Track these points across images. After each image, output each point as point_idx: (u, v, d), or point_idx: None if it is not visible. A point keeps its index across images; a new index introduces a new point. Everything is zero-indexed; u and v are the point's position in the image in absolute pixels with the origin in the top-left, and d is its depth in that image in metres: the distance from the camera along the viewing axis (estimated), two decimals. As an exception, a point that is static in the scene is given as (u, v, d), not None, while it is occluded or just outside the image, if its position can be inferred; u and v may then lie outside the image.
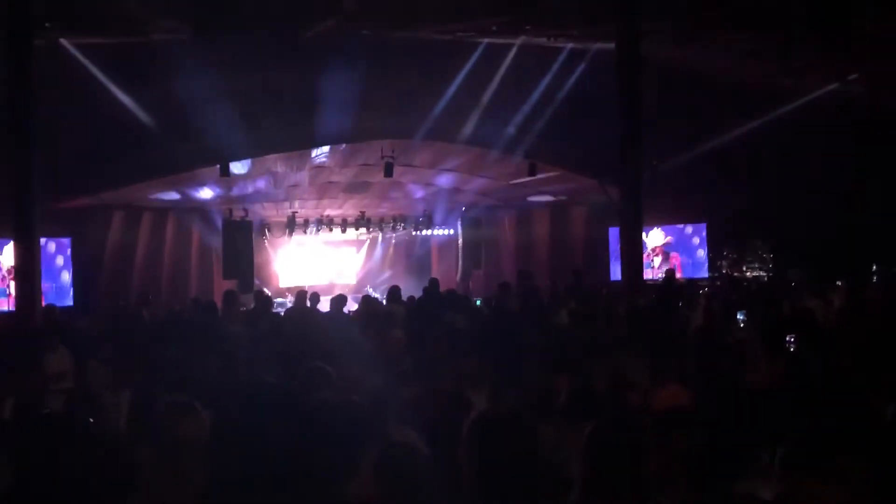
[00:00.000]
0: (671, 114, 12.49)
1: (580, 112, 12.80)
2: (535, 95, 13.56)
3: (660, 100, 11.91)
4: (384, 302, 10.23)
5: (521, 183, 16.72)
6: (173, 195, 16.33)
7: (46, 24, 10.93)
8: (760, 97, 13.34)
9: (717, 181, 15.11)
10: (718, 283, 14.27)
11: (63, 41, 11.55)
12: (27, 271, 10.25)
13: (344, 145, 14.34)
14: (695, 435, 2.45)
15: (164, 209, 17.62)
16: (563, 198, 18.25)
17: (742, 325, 7.05)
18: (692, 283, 11.56)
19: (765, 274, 16.06)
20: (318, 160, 15.26)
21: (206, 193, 16.69)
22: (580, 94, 12.98)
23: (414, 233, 20.75)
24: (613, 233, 15.48)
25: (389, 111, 13.02)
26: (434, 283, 9.45)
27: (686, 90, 12.82)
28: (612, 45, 11.40)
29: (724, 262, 17.19)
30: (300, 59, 11.88)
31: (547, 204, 19.27)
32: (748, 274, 16.26)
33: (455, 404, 3.24)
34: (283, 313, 10.83)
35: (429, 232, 20.61)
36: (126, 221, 17.13)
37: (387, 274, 20.63)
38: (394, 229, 20.69)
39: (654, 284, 13.11)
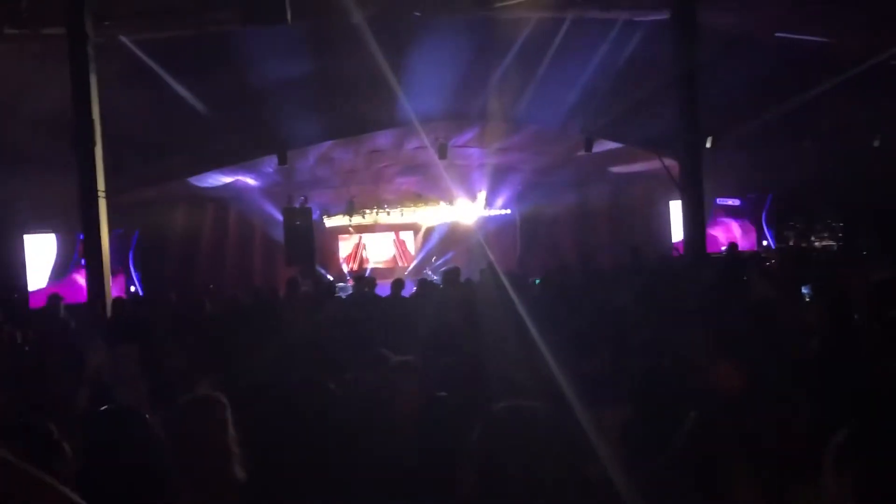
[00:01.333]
0: (731, 82, 12.14)
1: (636, 84, 12.54)
2: (590, 69, 13.32)
3: (719, 68, 11.59)
4: (441, 284, 10.23)
5: (579, 160, 16.51)
6: (231, 181, 16.61)
7: (105, 23, 11.20)
8: (825, 61, 12.85)
9: (782, 150, 14.66)
10: (784, 254, 13.88)
11: (122, 38, 11.81)
12: (94, 263, 10.59)
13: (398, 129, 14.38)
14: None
15: (227, 198, 17.98)
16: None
17: (808, 299, 6.83)
18: (756, 255, 11.25)
19: (834, 244, 15.55)
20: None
21: (263, 180, 16.95)
22: (635, 66, 12.70)
23: (472, 213, 20.69)
24: (675, 206, 15.22)
25: (442, 92, 12.97)
26: (491, 266, 9.41)
27: (746, 57, 12.43)
28: (666, 16, 11.13)
29: (790, 233, 16.72)
30: (352, 45, 11.91)
31: (606, 179, 19.01)
32: (817, 244, 15.76)
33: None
34: (344, 297, 10.96)
35: (487, 212, 20.54)
36: (190, 212, 17.57)
37: (447, 255, 20.66)
38: (451, 210, 20.67)
39: (718, 257, 12.83)
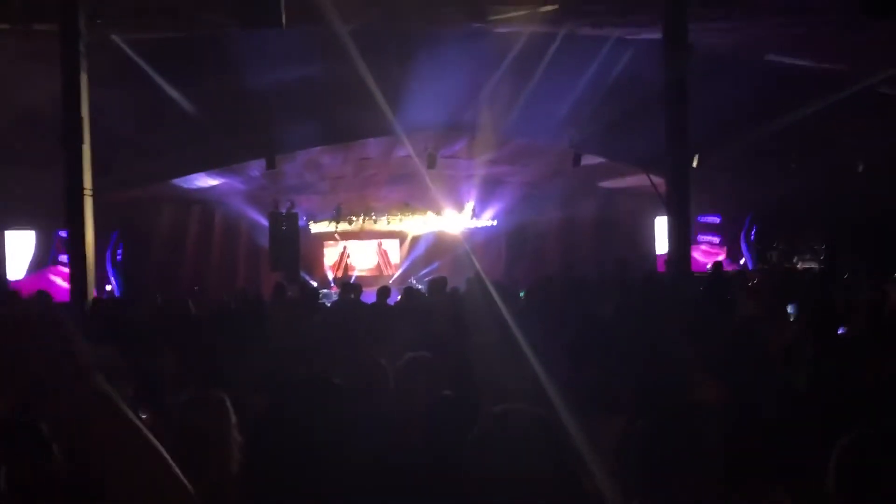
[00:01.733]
0: (719, 101, 12.26)
1: (625, 101, 12.63)
2: (581, 85, 13.41)
3: (708, 86, 11.70)
4: (426, 293, 10.23)
5: (567, 174, 16.59)
6: (218, 184, 16.55)
7: (98, 21, 11.16)
8: (813, 82, 13.00)
9: (766, 169, 14.80)
10: (768, 274, 14.00)
11: (114, 37, 11.77)
12: (78, 262, 10.51)
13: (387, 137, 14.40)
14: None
15: (213, 201, 17.91)
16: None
17: (792, 318, 6.89)
18: (742, 274, 11.34)
19: (816, 265, 15.69)
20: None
21: (250, 184, 16.92)
22: (625, 83, 12.80)
23: (458, 224, 20.71)
24: (660, 222, 15.33)
25: (433, 102, 13.00)
26: (477, 275, 9.43)
27: (735, 76, 12.56)
28: (658, 34, 11.23)
29: (773, 254, 16.86)
30: (344, 52, 11.93)
31: (593, 194, 19.13)
32: (799, 265, 15.90)
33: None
34: (329, 304, 10.92)
35: (473, 223, 20.57)
36: (175, 214, 17.48)
37: (432, 265, 20.65)
38: (438, 220, 20.70)
39: (703, 275, 12.91)
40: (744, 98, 12.22)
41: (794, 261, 16.35)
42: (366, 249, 21.43)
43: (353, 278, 18.35)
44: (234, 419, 2.63)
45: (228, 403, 2.64)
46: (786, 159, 14.58)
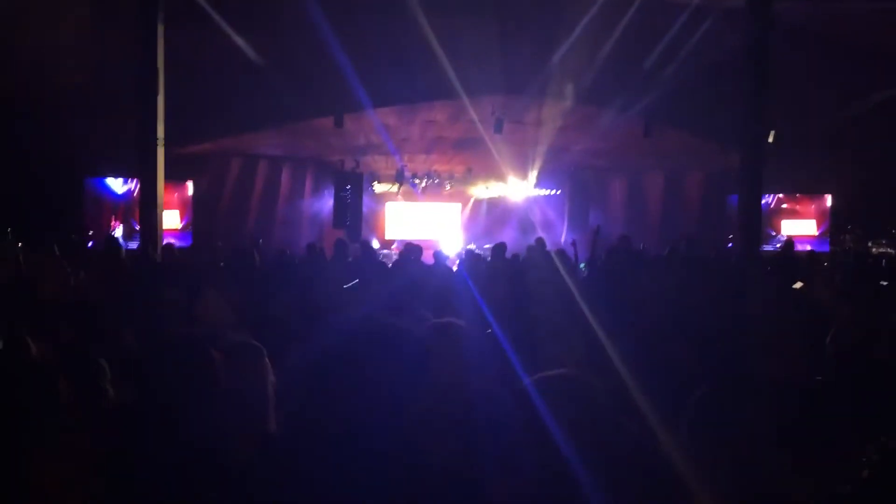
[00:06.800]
0: (801, 77, 11.79)
1: (702, 73, 12.25)
2: (656, 54, 13.04)
3: (790, 62, 11.26)
4: (489, 258, 10.20)
5: (635, 146, 16.23)
6: (286, 141, 16.70)
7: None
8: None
9: (845, 151, 14.24)
10: (841, 257, 13.54)
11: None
12: (149, 210, 10.77)
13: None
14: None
15: (279, 158, 18.11)
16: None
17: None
18: (813, 255, 10.98)
19: (893, 251, 15.11)
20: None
21: (316, 141, 17.01)
22: (704, 54, 12.40)
23: (522, 191, 20.53)
24: (733, 201, 14.92)
25: (502, 66, 12.82)
26: (539, 242, 9.34)
27: (820, 53, 12.05)
28: (740, 4, 10.82)
29: (848, 237, 16.29)
30: (415, 12, 11.83)
31: (660, 169, 18.72)
32: (874, 250, 15.33)
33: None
34: (389, 266, 10.97)
35: (537, 191, 20.36)
36: (243, 169, 17.76)
37: (494, 231, 20.52)
38: (501, 186, 20.56)
39: (772, 255, 12.55)
40: (827, 76, 11.76)
41: (870, 244, 15.77)
42: (430, 212, 21.43)
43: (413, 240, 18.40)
44: (272, 376, 2.56)
45: (265, 355, 2.57)
46: (868, 140, 14.00)
